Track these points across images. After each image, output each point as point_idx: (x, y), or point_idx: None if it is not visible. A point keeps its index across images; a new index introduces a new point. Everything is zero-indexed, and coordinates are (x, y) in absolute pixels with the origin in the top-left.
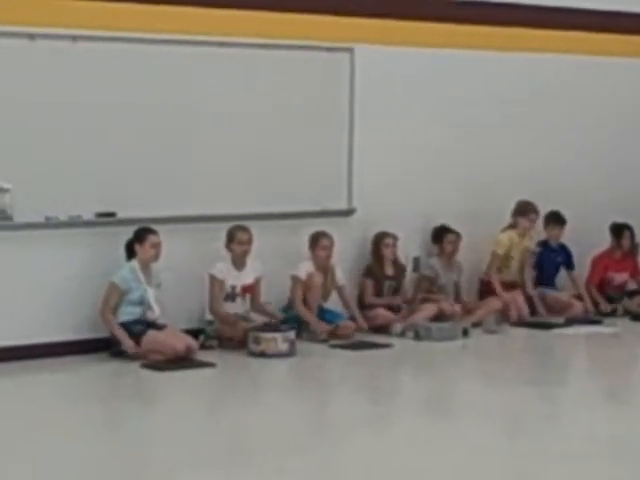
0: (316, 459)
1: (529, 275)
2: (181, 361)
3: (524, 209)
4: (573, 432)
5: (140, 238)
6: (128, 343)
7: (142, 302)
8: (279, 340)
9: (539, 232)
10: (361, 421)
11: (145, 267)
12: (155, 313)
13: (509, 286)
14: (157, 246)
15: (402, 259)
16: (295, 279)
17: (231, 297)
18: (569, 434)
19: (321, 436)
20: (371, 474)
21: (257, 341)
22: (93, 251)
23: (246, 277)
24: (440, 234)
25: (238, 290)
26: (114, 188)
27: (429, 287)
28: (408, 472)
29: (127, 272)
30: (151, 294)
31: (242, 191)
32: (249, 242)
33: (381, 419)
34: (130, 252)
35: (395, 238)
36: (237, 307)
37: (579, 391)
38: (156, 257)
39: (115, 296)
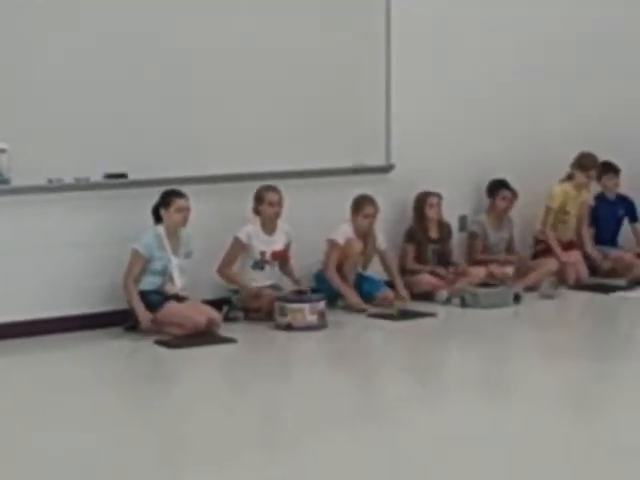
0: (361, 437)
1: (587, 232)
2: (201, 336)
3: (583, 163)
4: None
5: (165, 202)
6: (143, 315)
7: (164, 272)
8: (307, 311)
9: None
10: (404, 400)
11: (172, 234)
12: (176, 286)
13: (566, 246)
14: (184, 210)
15: (447, 220)
16: (331, 243)
17: (260, 264)
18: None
19: (362, 415)
20: (421, 453)
21: (283, 312)
22: (102, 217)
23: (276, 242)
24: (495, 188)
25: (268, 256)
26: (125, 146)
27: (477, 247)
28: (459, 454)
29: (151, 238)
30: (175, 264)
31: (270, 147)
32: (279, 203)
33: (427, 397)
34: (157, 216)
35: (440, 197)
36: (266, 275)
37: None
38: (183, 222)
39: (138, 264)
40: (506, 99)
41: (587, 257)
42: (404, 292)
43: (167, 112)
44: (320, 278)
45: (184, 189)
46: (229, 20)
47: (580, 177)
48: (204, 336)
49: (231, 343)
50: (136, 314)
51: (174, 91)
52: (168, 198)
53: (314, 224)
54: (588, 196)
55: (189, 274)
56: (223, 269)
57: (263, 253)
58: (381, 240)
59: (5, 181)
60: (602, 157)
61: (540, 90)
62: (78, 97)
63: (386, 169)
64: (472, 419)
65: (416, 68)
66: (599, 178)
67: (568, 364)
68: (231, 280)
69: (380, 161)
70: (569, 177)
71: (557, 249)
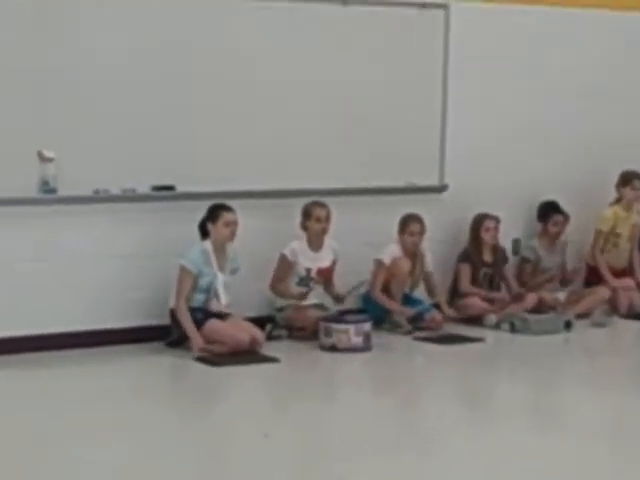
0: (403, 466)
1: (638, 258)
2: (243, 354)
3: (626, 178)
4: None
5: (213, 216)
6: (197, 340)
7: (209, 289)
8: (351, 332)
9: None
10: (449, 427)
11: (220, 249)
12: (221, 304)
13: (619, 273)
14: (232, 224)
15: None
16: (378, 263)
17: (305, 282)
18: None
19: (404, 443)
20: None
21: (328, 333)
22: (148, 229)
23: (323, 259)
24: (546, 212)
25: (313, 273)
26: (173, 158)
27: (528, 272)
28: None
29: (198, 254)
30: (221, 281)
31: (320, 163)
32: (327, 219)
33: (472, 425)
34: (204, 231)
35: (497, 221)
36: (311, 293)
37: None
38: (231, 237)
39: (188, 282)
40: (564, 119)
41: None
42: (449, 311)
43: (219, 125)
44: (367, 300)
45: (232, 203)
46: (283, 42)
47: (627, 193)
48: (247, 355)
49: (274, 362)
50: (189, 337)
51: (227, 104)
52: (216, 212)
53: (363, 244)
54: (638, 219)
55: (235, 292)
56: (275, 285)
57: (309, 270)
58: (429, 261)
59: (52, 190)
60: None
61: (600, 108)
62: (127, 107)
63: (439, 189)
64: (518, 450)
65: (471, 88)
66: None
67: (618, 396)
68: (283, 295)
69: (433, 181)
70: (618, 200)
71: (607, 274)
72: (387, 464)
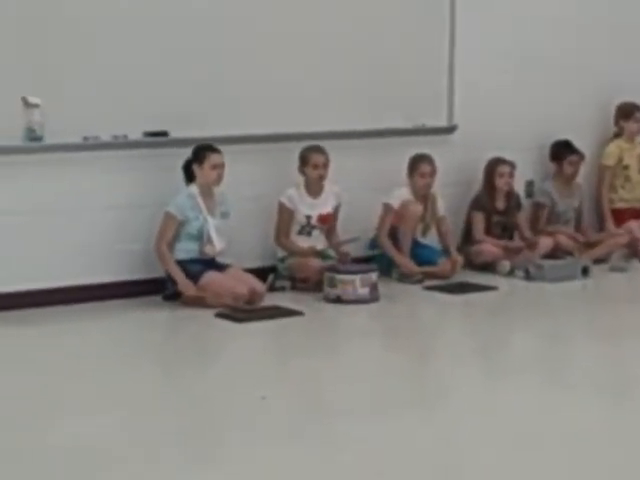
0: (404, 425)
1: None
2: (262, 309)
3: (627, 111)
4: None
5: (199, 158)
6: (185, 284)
7: (201, 235)
8: (357, 283)
9: None
10: (456, 384)
11: (207, 193)
12: (216, 248)
13: (638, 212)
14: (219, 167)
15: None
16: (386, 207)
17: (306, 230)
18: None
19: (410, 400)
20: (476, 438)
21: (332, 284)
22: (142, 177)
23: (323, 205)
24: (560, 152)
25: (314, 221)
26: (166, 103)
27: (543, 217)
28: (517, 439)
29: (184, 199)
30: (212, 225)
31: (321, 106)
32: (325, 166)
33: (483, 381)
34: (189, 175)
35: (512, 166)
36: (314, 242)
37: None
38: (218, 180)
39: (171, 228)
40: (580, 54)
41: None
42: (457, 256)
43: (213, 67)
44: (374, 245)
45: (227, 149)
46: None
47: (629, 125)
48: (263, 310)
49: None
50: (176, 283)
51: (222, 47)
52: (202, 153)
53: (370, 189)
54: None
55: (232, 240)
56: (280, 239)
57: (309, 217)
58: (440, 205)
59: (38, 138)
60: None
61: (601, 49)
62: (116, 50)
63: (448, 130)
64: (525, 406)
65: (480, 27)
66: None
67: (636, 346)
68: (290, 250)
69: (442, 122)
70: (617, 134)
71: (609, 216)
72: (391, 422)
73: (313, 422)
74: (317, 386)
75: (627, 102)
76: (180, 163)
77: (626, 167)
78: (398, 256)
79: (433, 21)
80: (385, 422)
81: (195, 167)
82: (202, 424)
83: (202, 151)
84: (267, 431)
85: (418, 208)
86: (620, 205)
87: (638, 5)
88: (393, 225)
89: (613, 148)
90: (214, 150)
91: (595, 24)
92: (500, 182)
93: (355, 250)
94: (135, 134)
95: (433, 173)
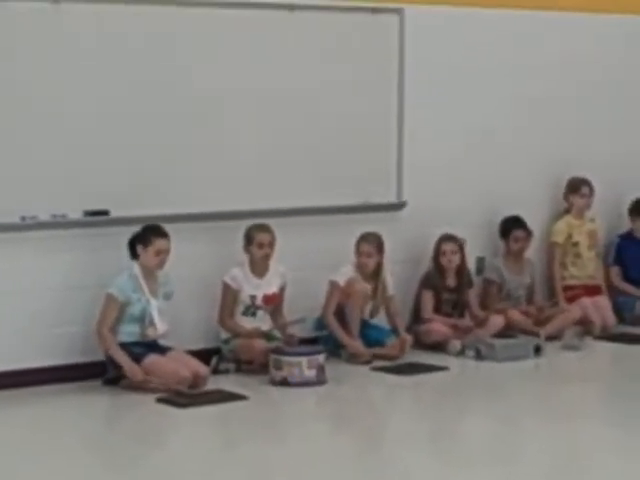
0: None
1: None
2: (203, 394)
3: (574, 186)
4: None
5: (144, 240)
6: (132, 368)
7: (143, 317)
8: (304, 365)
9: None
10: (410, 467)
11: (149, 274)
12: (158, 331)
13: (591, 290)
14: (163, 253)
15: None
16: (332, 285)
17: (251, 310)
18: None
19: None
20: None
21: (278, 366)
22: (82, 257)
23: (268, 285)
24: (507, 228)
25: (259, 301)
26: (106, 182)
27: (494, 294)
28: None
29: (126, 280)
30: (155, 307)
31: (266, 182)
32: (271, 245)
33: (431, 470)
34: (134, 251)
35: (458, 242)
36: (259, 322)
37: None
38: (160, 265)
39: (113, 310)
40: (528, 130)
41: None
42: (406, 335)
43: (155, 144)
44: (321, 325)
45: (171, 228)
46: (222, 50)
47: (576, 200)
48: (206, 394)
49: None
50: (122, 367)
51: (164, 120)
52: (148, 236)
53: (318, 267)
54: (595, 225)
55: (174, 321)
56: (224, 320)
57: (254, 297)
58: (389, 284)
59: None
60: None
61: (565, 118)
62: (56, 127)
63: (397, 206)
64: None
65: (430, 99)
66: (631, 216)
67: (589, 428)
68: (235, 332)
69: (391, 198)
70: (567, 210)
71: (561, 293)
72: None
73: None
74: (264, 474)
75: (576, 177)
76: (122, 242)
77: (575, 244)
78: (345, 338)
79: (381, 97)
80: None
81: (139, 248)
82: None
83: (149, 234)
84: None
85: (364, 286)
86: (572, 282)
87: (588, 81)
88: (340, 303)
89: (561, 225)
90: (161, 235)
91: (546, 100)
92: (443, 260)
93: (302, 331)
94: (75, 213)
95: (376, 253)
